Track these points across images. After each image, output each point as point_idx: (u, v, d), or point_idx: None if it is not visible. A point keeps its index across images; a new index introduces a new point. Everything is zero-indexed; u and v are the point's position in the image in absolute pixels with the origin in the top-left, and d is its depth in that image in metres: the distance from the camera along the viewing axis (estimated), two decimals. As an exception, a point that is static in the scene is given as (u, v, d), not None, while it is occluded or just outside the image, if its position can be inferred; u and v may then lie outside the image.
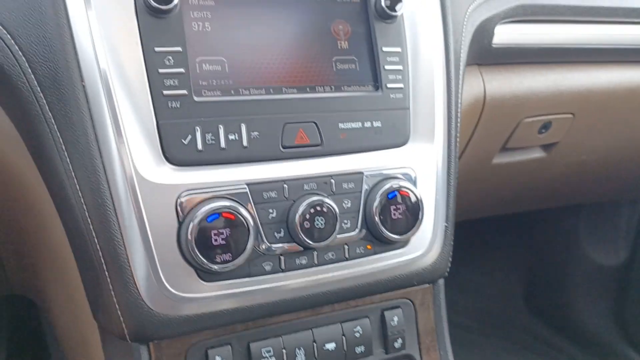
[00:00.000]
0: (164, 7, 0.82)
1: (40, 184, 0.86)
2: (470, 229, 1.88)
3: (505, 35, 1.28)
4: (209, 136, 0.85)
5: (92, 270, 0.84)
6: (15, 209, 0.97)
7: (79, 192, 0.80)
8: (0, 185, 0.93)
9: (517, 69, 1.38)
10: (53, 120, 0.79)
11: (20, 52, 0.79)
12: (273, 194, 0.88)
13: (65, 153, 0.80)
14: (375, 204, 0.94)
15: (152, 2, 0.81)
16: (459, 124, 1.11)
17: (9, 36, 0.79)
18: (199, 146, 0.84)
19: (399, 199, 0.96)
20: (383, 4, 0.98)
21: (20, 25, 0.79)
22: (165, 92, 0.82)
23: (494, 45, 1.28)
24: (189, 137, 0.84)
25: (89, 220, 0.81)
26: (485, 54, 1.29)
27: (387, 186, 0.95)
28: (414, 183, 1.00)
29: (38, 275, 1.14)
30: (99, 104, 0.80)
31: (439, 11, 1.07)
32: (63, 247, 0.90)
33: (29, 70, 0.79)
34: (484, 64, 1.33)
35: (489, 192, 1.69)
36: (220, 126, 0.86)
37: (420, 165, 1.01)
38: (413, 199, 0.97)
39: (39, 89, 0.79)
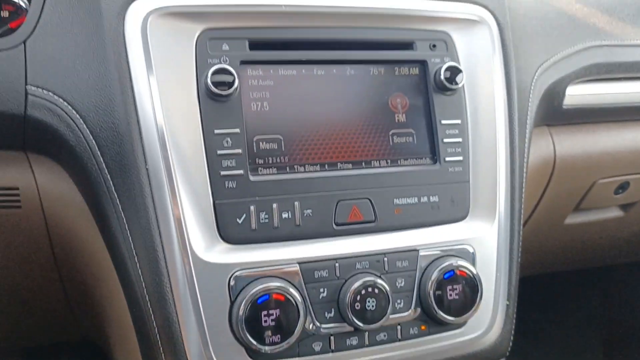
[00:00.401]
0: (224, 93, 0.84)
1: (106, 255, 0.90)
2: (542, 281, 1.79)
3: (578, 96, 1.22)
4: (262, 215, 0.86)
5: (148, 340, 0.87)
6: (86, 274, 1.02)
7: (139, 269, 0.84)
8: (73, 251, 0.99)
9: (591, 129, 1.30)
10: (118, 201, 0.84)
11: (91, 136, 0.84)
12: (324, 273, 0.88)
13: (128, 232, 0.84)
14: (431, 283, 0.91)
15: (213, 88, 0.84)
16: (523, 193, 1.06)
17: (81, 121, 0.84)
18: (253, 225, 0.86)
19: (456, 279, 0.92)
20: (442, 76, 0.96)
21: (92, 111, 0.84)
22: (222, 172, 0.85)
23: (565, 107, 1.22)
24: (244, 216, 0.85)
25: (147, 298, 0.84)
26: (556, 115, 1.23)
27: (443, 265, 0.92)
28: (473, 260, 0.96)
29: (102, 327, 1.20)
30: (161, 186, 0.83)
31: (502, 79, 1.04)
32: (125, 314, 0.94)
33: (98, 153, 0.84)
34: (554, 125, 1.27)
35: (562, 250, 1.60)
36: (274, 205, 0.87)
37: (480, 241, 0.98)
38: (471, 278, 0.93)
39: (106, 171, 0.84)
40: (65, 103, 0.84)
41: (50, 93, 0.85)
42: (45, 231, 0.96)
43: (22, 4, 0.98)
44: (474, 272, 0.94)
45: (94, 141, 0.84)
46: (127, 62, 0.83)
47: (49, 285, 1.08)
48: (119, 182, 0.83)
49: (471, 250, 0.97)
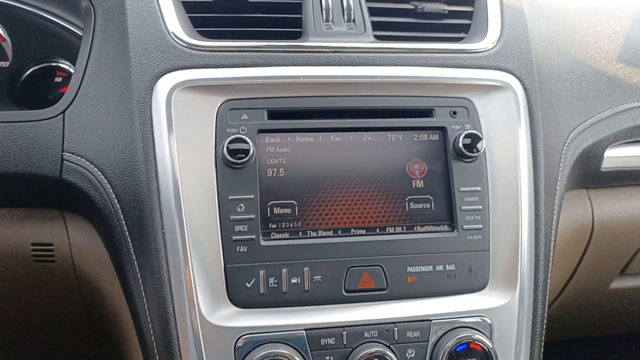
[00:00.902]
0: (240, 161, 0.88)
1: (127, 311, 0.95)
2: (578, 345, 1.68)
3: (618, 158, 1.17)
4: (272, 280, 0.88)
5: None
6: (112, 323, 1.07)
7: (151, 328, 0.88)
8: (99, 303, 1.05)
9: (633, 191, 1.24)
10: (136, 262, 0.89)
11: (116, 200, 0.90)
12: (331, 341, 0.88)
13: (143, 292, 0.88)
14: (443, 356, 0.89)
15: (229, 157, 0.88)
16: (550, 263, 1.02)
17: (109, 185, 0.90)
18: (262, 290, 0.87)
19: (470, 353, 0.90)
20: (461, 144, 0.96)
21: (119, 177, 0.90)
22: (234, 237, 0.88)
23: (603, 170, 1.17)
24: (253, 280, 0.88)
25: (157, 357, 0.87)
26: (594, 178, 1.18)
27: (456, 337, 0.90)
28: (490, 333, 0.93)
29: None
30: (175, 249, 0.87)
31: (527, 145, 1.01)
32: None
33: (122, 216, 0.89)
34: (592, 187, 1.22)
35: (606, 315, 1.51)
36: (284, 270, 0.88)
37: (499, 313, 0.94)
38: (486, 352, 0.90)
39: (127, 233, 0.89)
40: (95, 169, 0.91)
41: (83, 159, 0.92)
42: (76, 283, 1.02)
43: (72, 70, 1.08)
44: (490, 345, 0.91)
45: (118, 205, 0.89)
46: (152, 132, 0.89)
47: (80, 328, 1.14)
48: (137, 245, 0.88)
49: (489, 322, 0.94)
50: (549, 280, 1.01)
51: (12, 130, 0.92)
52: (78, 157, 0.92)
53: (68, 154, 0.92)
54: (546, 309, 1.00)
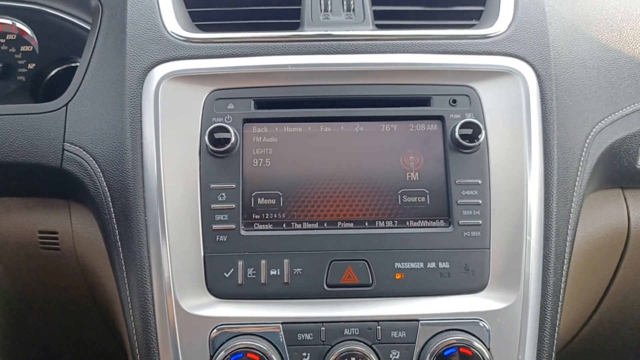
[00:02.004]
0: (221, 149, 0.88)
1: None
2: None
3: (657, 154, 1.05)
4: (250, 270, 0.86)
5: None
6: (110, 309, 1.09)
7: (131, 315, 0.88)
8: (99, 289, 1.07)
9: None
10: (121, 250, 0.90)
11: (107, 188, 0.92)
12: (308, 336, 0.84)
13: (126, 279, 0.90)
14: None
15: (210, 145, 0.88)
16: (565, 266, 0.92)
17: (101, 174, 0.93)
18: (239, 280, 0.86)
19: (458, 357, 0.83)
20: (457, 133, 0.89)
21: (110, 165, 0.92)
22: (214, 226, 0.87)
23: (639, 167, 1.05)
24: (232, 270, 0.86)
25: (136, 344, 0.88)
26: (629, 176, 1.06)
27: (445, 340, 0.83)
28: (487, 339, 0.85)
29: None
30: (155, 237, 0.87)
31: (539, 136, 0.93)
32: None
33: (111, 204, 0.91)
34: (628, 187, 1.10)
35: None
36: (263, 261, 0.86)
37: (498, 317, 0.86)
38: (478, 359, 0.83)
39: (115, 220, 0.91)
40: (90, 158, 0.94)
41: (80, 149, 0.96)
42: (79, 270, 1.06)
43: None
44: (484, 352, 0.83)
45: (108, 192, 0.92)
46: (140, 122, 0.91)
47: (86, 313, 1.18)
48: (122, 231, 0.90)
49: (486, 327, 0.86)
50: (562, 285, 0.92)
51: (19, 122, 0.97)
52: (76, 147, 0.96)
53: (68, 144, 0.96)
54: (558, 315, 0.91)
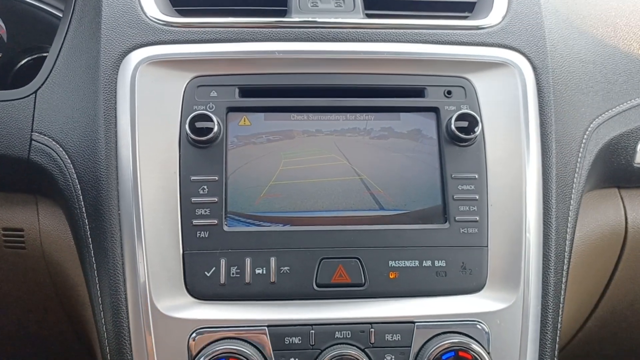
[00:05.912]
0: (203, 139, 0.82)
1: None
2: None
3: (654, 151, 1.02)
4: (234, 269, 0.80)
5: None
6: (79, 310, 1.01)
7: (102, 317, 0.81)
8: (68, 290, 0.99)
9: (677, 192, 1.07)
10: (92, 246, 0.83)
11: (77, 180, 0.85)
12: (296, 340, 0.78)
13: (96, 277, 0.82)
14: (426, 364, 0.77)
15: (191, 134, 0.82)
16: (565, 265, 0.88)
17: (71, 165, 0.86)
18: (222, 280, 0.79)
19: (457, 362, 0.77)
20: (453, 125, 0.85)
21: (81, 155, 0.86)
22: (195, 221, 0.81)
23: (637, 165, 1.02)
24: (213, 269, 0.80)
25: (107, 349, 0.80)
26: (626, 175, 1.03)
27: (442, 343, 0.78)
28: (487, 342, 0.80)
29: None
30: (130, 233, 0.81)
31: (536, 130, 0.89)
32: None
33: (81, 197, 0.84)
34: (625, 187, 1.07)
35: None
36: (248, 259, 0.80)
37: (498, 319, 0.82)
38: (478, 362, 0.77)
39: (85, 214, 0.84)
40: (60, 148, 0.87)
41: (49, 139, 0.88)
42: (46, 270, 0.98)
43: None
44: (484, 356, 0.78)
45: (78, 185, 0.85)
46: (115, 109, 0.84)
47: (54, 315, 1.10)
48: (94, 227, 0.83)
49: (485, 329, 0.81)
50: (563, 285, 0.87)
51: None
52: (45, 137, 0.89)
53: (36, 134, 0.89)
54: (560, 317, 0.86)
